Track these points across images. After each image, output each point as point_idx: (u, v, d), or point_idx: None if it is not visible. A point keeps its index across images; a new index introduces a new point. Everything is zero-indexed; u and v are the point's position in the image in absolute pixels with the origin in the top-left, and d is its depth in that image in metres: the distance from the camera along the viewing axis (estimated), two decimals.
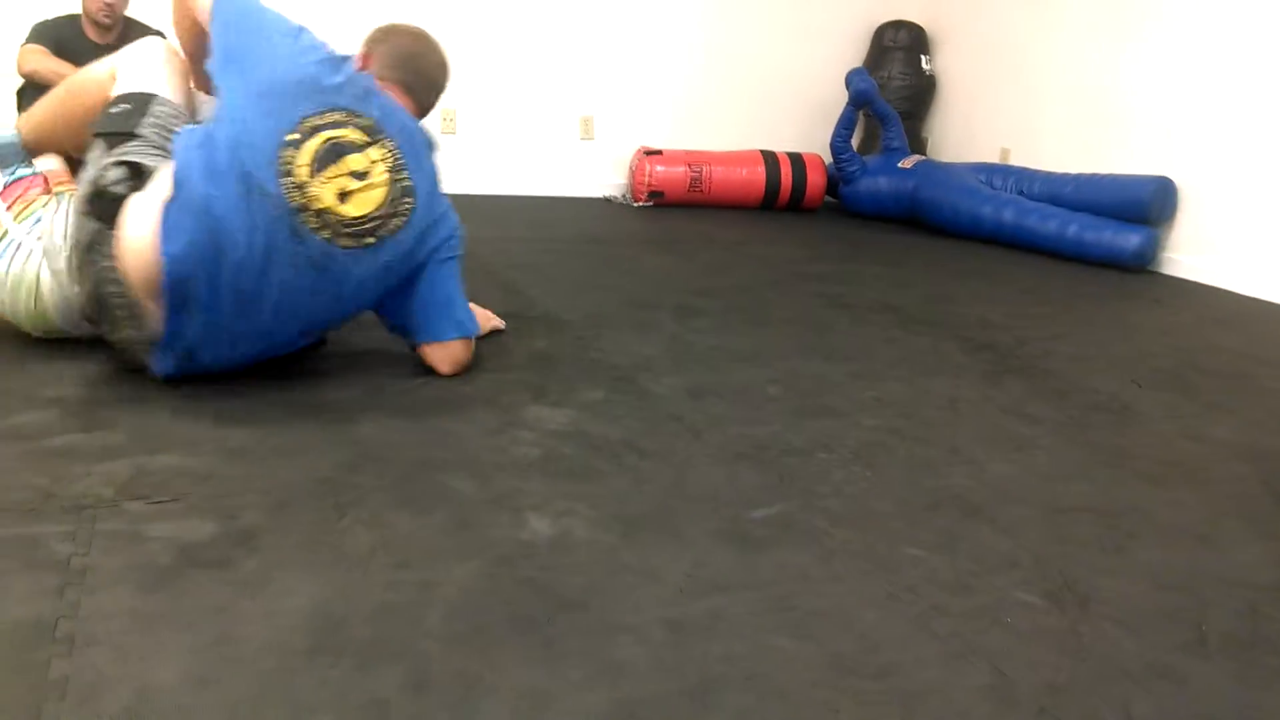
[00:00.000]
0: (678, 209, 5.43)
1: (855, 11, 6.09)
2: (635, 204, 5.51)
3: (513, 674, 1.19)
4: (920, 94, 6.06)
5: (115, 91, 2.10)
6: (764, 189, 5.59)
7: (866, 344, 2.86)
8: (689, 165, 5.50)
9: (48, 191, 2.20)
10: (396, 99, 2.14)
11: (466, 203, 5.24)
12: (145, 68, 2.12)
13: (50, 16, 4.09)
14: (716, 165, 5.55)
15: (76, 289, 2.00)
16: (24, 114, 2.44)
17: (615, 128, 5.74)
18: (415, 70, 2.21)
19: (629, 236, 4.54)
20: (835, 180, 5.68)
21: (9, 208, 2.16)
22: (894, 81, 5.95)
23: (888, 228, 5.22)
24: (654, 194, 5.46)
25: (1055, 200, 4.84)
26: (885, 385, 2.47)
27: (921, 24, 6.06)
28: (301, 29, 2.08)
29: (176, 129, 2.03)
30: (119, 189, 1.90)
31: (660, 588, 1.42)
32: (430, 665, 1.19)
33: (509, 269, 3.52)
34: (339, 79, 2.02)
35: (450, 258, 2.21)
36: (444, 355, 2.26)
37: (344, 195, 1.97)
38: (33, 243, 2.11)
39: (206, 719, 1.06)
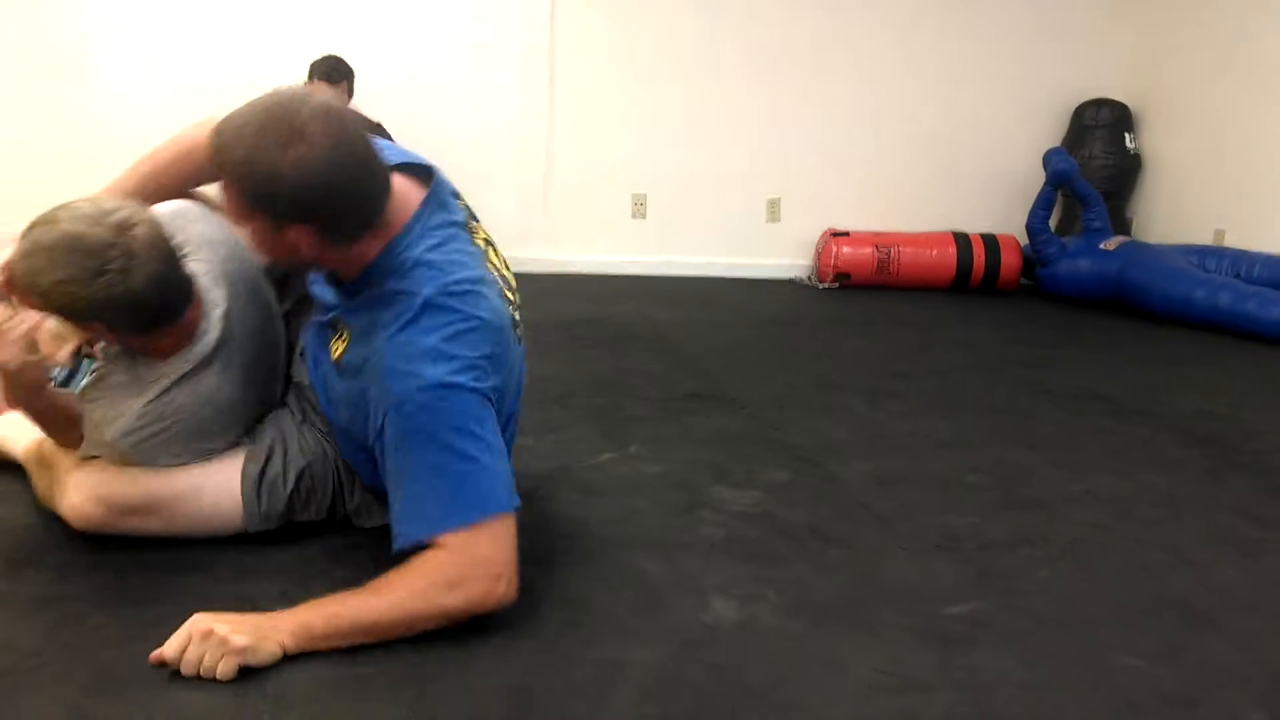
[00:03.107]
0: (865, 290, 5.35)
1: (1053, 90, 5.91)
2: (821, 285, 5.47)
3: None
4: (1124, 174, 5.79)
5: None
6: (955, 270, 5.45)
7: (1073, 433, 2.70)
8: (876, 246, 5.42)
9: None
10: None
11: (654, 285, 5.38)
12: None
13: None
14: (905, 246, 5.45)
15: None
16: None
17: (802, 210, 5.74)
18: None
19: (816, 318, 4.49)
20: (1032, 262, 5.47)
21: None
22: (1095, 161, 5.71)
23: (1089, 311, 4.97)
24: (840, 275, 5.41)
25: (1278, 285, 4.49)
26: (1095, 478, 2.31)
27: (1125, 102, 5.82)
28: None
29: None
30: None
31: (850, 683, 1.36)
32: None
33: (694, 349, 3.54)
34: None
35: None
36: None
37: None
38: None
39: None
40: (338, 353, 1.55)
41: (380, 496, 1.66)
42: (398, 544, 1.41)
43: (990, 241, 5.49)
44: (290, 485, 1.66)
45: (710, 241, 5.66)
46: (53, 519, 1.70)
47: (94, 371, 1.65)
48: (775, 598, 1.60)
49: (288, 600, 1.43)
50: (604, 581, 1.62)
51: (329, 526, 1.72)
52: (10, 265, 1.50)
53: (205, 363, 1.61)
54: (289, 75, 4.55)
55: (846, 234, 5.48)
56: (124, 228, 1.48)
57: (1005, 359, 3.68)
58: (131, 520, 1.62)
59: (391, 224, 1.48)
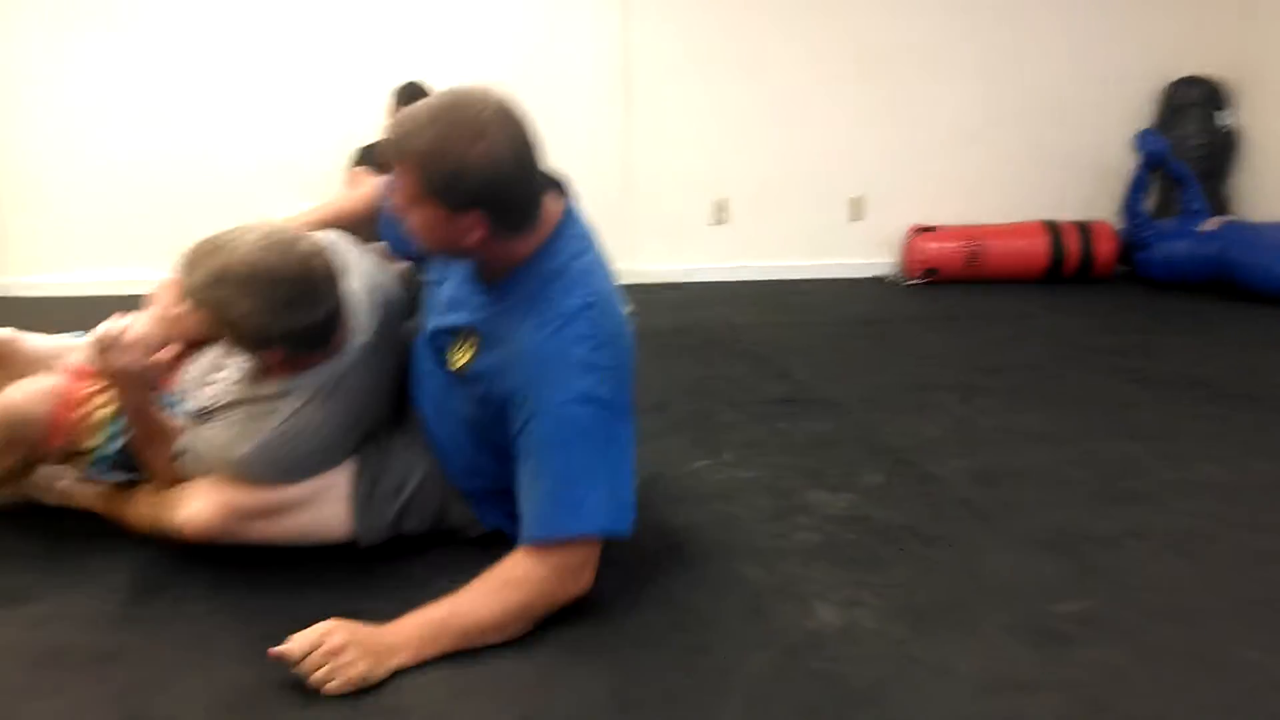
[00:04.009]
0: (954, 285, 5.27)
1: (1141, 70, 5.74)
2: (908, 282, 5.40)
3: None
4: (1220, 152, 5.59)
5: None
6: (1047, 261, 5.33)
7: (1175, 422, 2.63)
8: (965, 240, 5.34)
9: None
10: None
11: (738, 288, 5.38)
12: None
13: (367, 142, 4.59)
14: (994, 239, 5.35)
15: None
16: None
17: (885, 207, 5.68)
18: None
19: (904, 315, 4.45)
20: (1128, 247, 5.32)
21: None
22: (1190, 141, 5.53)
23: (1189, 295, 4.82)
24: (928, 271, 5.34)
25: None
26: (1200, 467, 2.25)
27: (1218, 77, 5.63)
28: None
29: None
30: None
31: (956, 685, 1.36)
32: None
33: (781, 352, 3.54)
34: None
35: None
36: None
37: None
38: None
39: None
40: (462, 361, 1.61)
41: (481, 507, 1.77)
42: (530, 534, 1.49)
43: (1083, 229, 5.36)
44: (399, 503, 1.73)
45: (793, 244, 5.64)
46: (163, 548, 1.74)
47: (211, 397, 1.70)
48: (876, 601, 1.60)
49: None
50: (708, 588, 1.65)
51: (433, 540, 1.77)
52: (191, 292, 1.53)
53: (340, 379, 1.66)
54: (369, 102, 4.68)
55: (932, 229, 5.40)
56: (308, 259, 1.55)
57: (1101, 349, 3.59)
58: (247, 526, 1.67)
59: (542, 227, 1.56)
